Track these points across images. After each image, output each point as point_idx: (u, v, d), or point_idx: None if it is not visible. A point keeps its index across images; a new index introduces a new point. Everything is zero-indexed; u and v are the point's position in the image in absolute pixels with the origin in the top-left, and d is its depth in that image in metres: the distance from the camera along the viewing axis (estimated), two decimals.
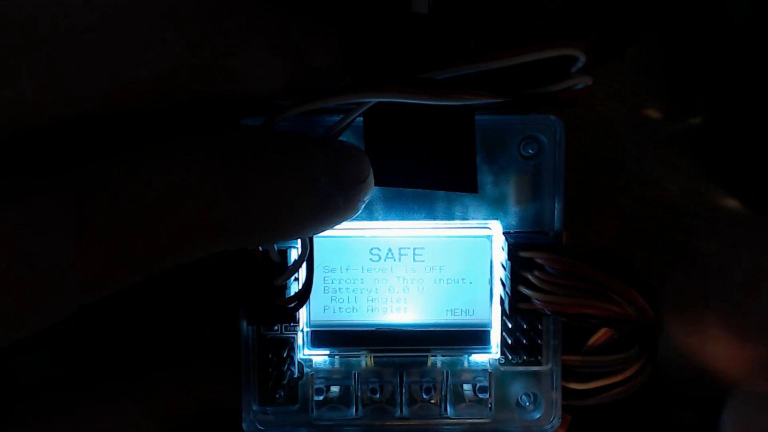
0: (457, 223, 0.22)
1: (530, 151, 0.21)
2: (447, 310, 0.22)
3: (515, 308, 0.21)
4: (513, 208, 0.22)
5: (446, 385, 0.22)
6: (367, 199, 0.18)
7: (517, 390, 0.23)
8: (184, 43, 0.14)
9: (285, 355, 0.22)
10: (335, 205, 0.17)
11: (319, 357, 0.22)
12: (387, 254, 0.22)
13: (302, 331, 0.22)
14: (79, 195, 0.13)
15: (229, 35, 0.15)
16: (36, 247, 0.13)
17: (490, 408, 0.22)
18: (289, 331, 0.22)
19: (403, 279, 0.22)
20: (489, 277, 0.22)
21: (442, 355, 0.22)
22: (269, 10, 0.16)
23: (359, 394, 0.22)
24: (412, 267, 0.22)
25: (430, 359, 0.22)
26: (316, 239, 0.20)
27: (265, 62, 0.15)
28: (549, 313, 0.20)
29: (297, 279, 0.21)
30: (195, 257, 0.15)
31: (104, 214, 0.13)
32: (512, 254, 0.20)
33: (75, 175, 0.14)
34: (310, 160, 0.16)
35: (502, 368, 0.22)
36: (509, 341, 0.22)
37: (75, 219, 0.13)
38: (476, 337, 0.22)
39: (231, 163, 0.15)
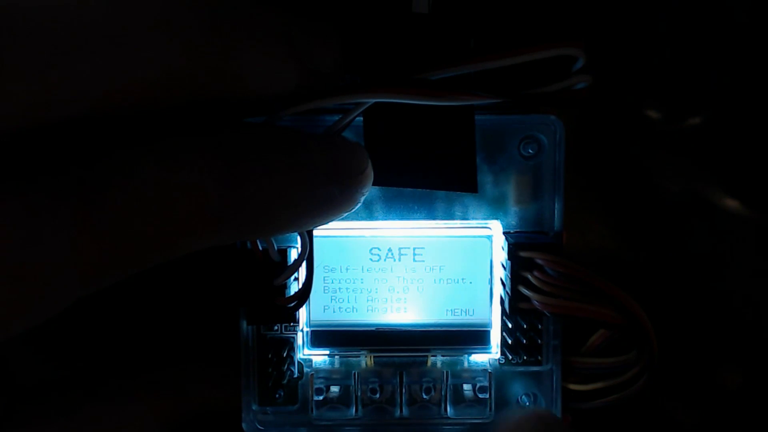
0: (457, 223, 0.22)
1: (530, 151, 0.21)
2: (447, 310, 0.22)
3: (515, 308, 0.21)
4: (513, 208, 0.22)
5: (446, 385, 0.22)
6: (365, 191, 0.18)
7: (517, 390, 0.23)
8: (183, 46, 0.14)
9: (285, 355, 0.22)
10: (333, 198, 0.17)
11: (319, 357, 0.22)
12: (387, 254, 0.22)
13: (302, 331, 0.22)
14: (76, 188, 0.14)
15: (228, 38, 0.15)
16: (32, 240, 0.13)
17: (490, 408, 0.22)
18: (289, 331, 0.22)
19: (403, 279, 0.22)
20: (489, 277, 0.22)
21: (442, 355, 0.22)
22: (269, 12, 0.16)
23: (359, 394, 0.22)
24: (412, 267, 0.22)
25: (430, 359, 0.22)
26: (316, 239, 0.20)
27: (265, 65, 0.15)
28: (548, 314, 0.20)
29: (297, 279, 0.21)
30: (193, 250, 0.15)
31: (101, 206, 0.14)
32: (512, 254, 0.20)
33: (73, 169, 0.14)
34: (306, 154, 0.16)
35: (502, 368, 0.22)
36: (509, 341, 0.22)
37: (71, 211, 0.13)
38: (476, 337, 0.22)
39: (228, 156, 0.15)
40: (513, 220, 0.22)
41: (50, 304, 0.14)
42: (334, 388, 0.22)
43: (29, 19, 0.13)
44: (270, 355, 0.22)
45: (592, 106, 0.25)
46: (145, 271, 0.15)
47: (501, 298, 0.22)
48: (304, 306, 0.21)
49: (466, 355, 0.22)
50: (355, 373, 0.22)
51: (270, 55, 0.15)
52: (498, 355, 0.22)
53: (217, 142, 0.15)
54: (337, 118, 0.18)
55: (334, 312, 0.22)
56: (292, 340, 0.22)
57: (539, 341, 0.22)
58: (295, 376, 0.22)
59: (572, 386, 0.23)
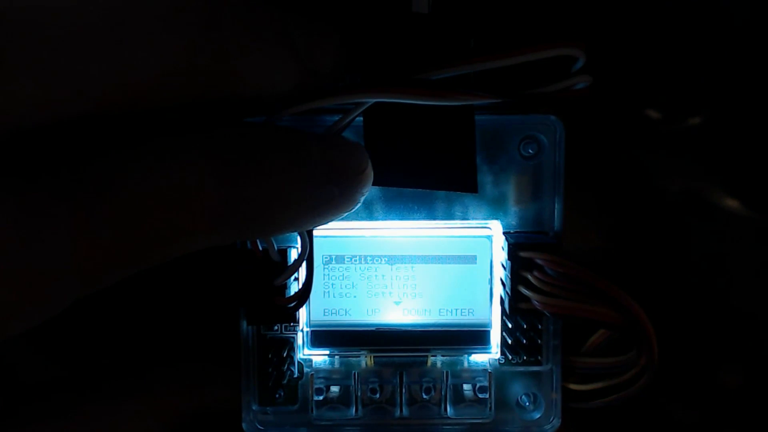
0: (457, 223, 0.22)
1: (530, 151, 0.21)
2: (447, 310, 0.22)
3: (515, 308, 0.21)
4: (513, 208, 0.22)
5: (446, 385, 0.22)
6: (365, 191, 0.18)
7: (517, 390, 0.23)
8: (183, 45, 0.14)
9: (285, 355, 0.22)
10: (333, 198, 0.17)
11: (319, 357, 0.22)
12: (387, 254, 0.22)
13: (302, 331, 0.22)
14: (75, 187, 0.13)
15: (228, 38, 0.15)
16: (31, 239, 0.13)
17: (490, 408, 0.22)
18: (289, 331, 0.22)
19: (404, 279, 0.22)
20: (489, 277, 0.22)
21: (442, 355, 0.22)
22: (269, 11, 0.16)
23: (359, 394, 0.22)
24: (412, 267, 0.22)
25: (430, 359, 0.22)
26: (316, 239, 0.20)
27: (265, 65, 0.15)
28: (548, 314, 0.20)
29: (297, 279, 0.21)
30: (193, 250, 0.15)
31: (100, 205, 0.14)
32: (512, 254, 0.20)
33: (72, 169, 0.14)
34: (306, 154, 0.16)
35: (502, 368, 0.22)
36: (509, 341, 0.22)
37: (71, 210, 0.13)
38: (476, 337, 0.22)
39: (228, 156, 0.15)
40: (513, 220, 0.22)
41: (50, 304, 0.14)
42: (334, 388, 0.22)
43: (29, 18, 0.13)
44: (270, 355, 0.22)
45: (592, 106, 0.25)
46: (145, 271, 0.15)
47: (501, 298, 0.22)
48: (303, 306, 0.21)
49: (466, 355, 0.22)
50: (355, 373, 0.22)
51: (270, 55, 0.15)
52: (498, 355, 0.22)
53: (217, 141, 0.15)
54: (337, 118, 0.18)
55: (333, 312, 0.22)
56: (292, 340, 0.22)
57: (539, 341, 0.22)
58: (295, 376, 0.22)
59: (572, 386, 0.23)
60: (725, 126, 0.25)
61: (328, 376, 0.22)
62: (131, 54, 0.13)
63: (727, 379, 0.27)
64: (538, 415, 0.23)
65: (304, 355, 0.22)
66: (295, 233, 0.20)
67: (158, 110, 0.15)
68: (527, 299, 0.20)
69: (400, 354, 0.22)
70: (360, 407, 0.22)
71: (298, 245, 0.20)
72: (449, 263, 0.22)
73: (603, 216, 0.26)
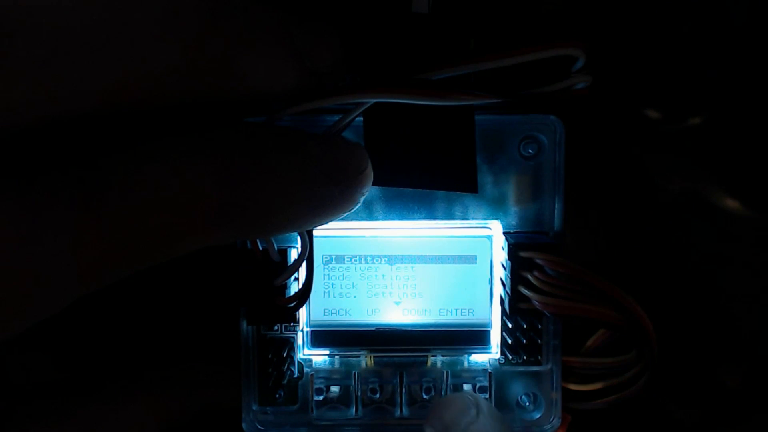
0: (457, 223, 0.22)
1: (530, 151, 0.21)
2: (447, 310, 0.22)
3: (515, 308, 0.21)
4: (513, 208, 0.22)
5: (446, 385, 0.22)
6: (365, 191, 0.18)
7: (517, 390, 0.23)
8: (183, 45, 0.14)
9: (285, 355, 0.22)
10: (333, 198, 0.17)
11: (319, 357, 0.22)
12: (387, 254, 0.22)
13: (302, 331, 0.22)
14: (76, 188, 0.14)
15: (228, 37, 0.15)
16: (32, 239, 0.13)
17: None
18: (289, 331, 0.22)
19: (403, 279, 0.22)
20: (489, 277, 0.22)
21: (442, 355, 0.22)
22: (269, 11, 0.16)
23: (359, 394, 0.22)
24: (412, 267, 0.22)
25: (430, 359, 0.22)
26: (316, 239, 0.20)
27: (265, 65, 0.15)
28: (548, 314, 0.20)
29: (297, 279, 0.21)
30: (193, 249, 0.15)
31: (101, 205, 0.14)
32: (512, 254, 0.20)
33: (73, 169, 0.14)
34: (306, 154, 0.16)
35: (502, 368, 0.22)
36: (509, 341, 0.22)
37: (71, 211, 0.13)
38: (476, 337, 0.22)
39: (228, 157, 0.15)
40: (513, 220, 0.22)
41: (50, 304, 0.14)
42: (334, 388, 0.22)
43: (29, 17, 0.13)
44: (270, 355, 0.22)
45: (592, 106, 0.25)
46: (146, 270, 0.15)
47: (501, 298, 0.22)
48: (304, 306, 0.21)
49: (466, 355, 0.22)
50: (355, 373, 0.22)
51: (270, 54, 0.15)
52: (498, 355, 0.22)
53: (217, 142, 0.15)
54: (337, 118, 0.18)
55: (333, 312, 0.22)
56: (292, 340, 0.22)
57: (539, 341, 0.22)
58: (295, 376, 0.22)
59: (572, 386, 0.23)
60: (725, 126, 0.25)
61: (328, 376, 0.22)
62: (132, 54, 0.13)
63: (726, 379, 0.27)
64: (538, 415, 0.23)
65: (304, 355, 0.22)
66: (295, 233, 0.20)
67: (158, 111, 0.15)
68: (527, 299, 0.20)
69: (400, 354, 0.22)
70: (360, 407, 0.22)
71: (298, 245, 0.20)
72: (449, 263, 0.22)
73: (603, 216, 0.26)
